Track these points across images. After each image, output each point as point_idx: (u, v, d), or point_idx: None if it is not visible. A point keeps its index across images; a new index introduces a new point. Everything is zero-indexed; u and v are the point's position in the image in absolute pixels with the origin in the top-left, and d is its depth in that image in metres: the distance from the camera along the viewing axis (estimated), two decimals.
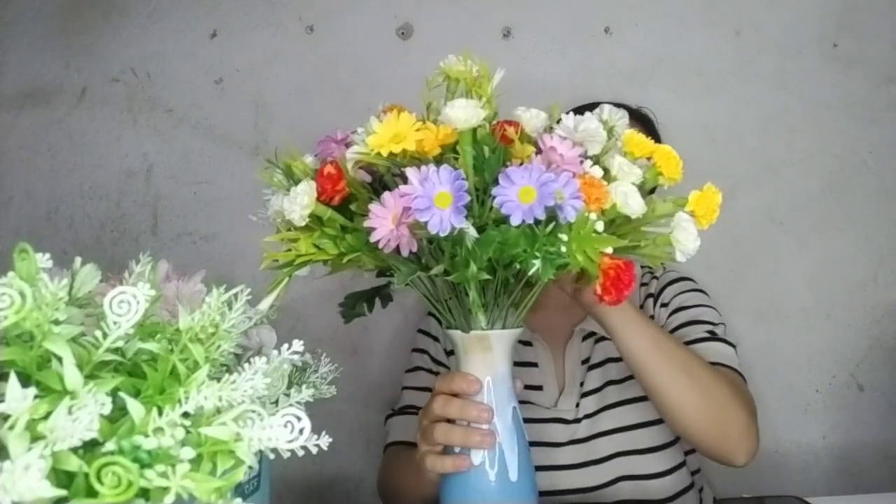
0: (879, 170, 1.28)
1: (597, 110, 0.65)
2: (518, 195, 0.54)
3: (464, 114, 0.57)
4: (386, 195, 0.59)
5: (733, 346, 0.93)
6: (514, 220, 0.54)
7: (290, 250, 0.63)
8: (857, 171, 1.28)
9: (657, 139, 1.05)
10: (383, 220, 0.58)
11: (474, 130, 0.59)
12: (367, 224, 0.59)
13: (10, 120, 1.29)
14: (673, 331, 0.95)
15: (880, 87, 1.29)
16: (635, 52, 1.29)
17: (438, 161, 0.59)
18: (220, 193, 1.28)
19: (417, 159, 0.60)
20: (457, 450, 0.67)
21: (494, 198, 0.55)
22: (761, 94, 1.29)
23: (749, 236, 1.27)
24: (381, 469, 0.99)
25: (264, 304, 0.62)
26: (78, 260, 0.47)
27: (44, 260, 0.41)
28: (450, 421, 0.68)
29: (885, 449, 1.25)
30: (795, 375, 1.26)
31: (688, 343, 0.91)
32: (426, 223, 0.54)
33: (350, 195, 0.62)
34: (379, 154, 0.58)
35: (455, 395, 0.68)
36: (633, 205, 0.59)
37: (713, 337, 0.93)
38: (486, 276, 0.58)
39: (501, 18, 1.30)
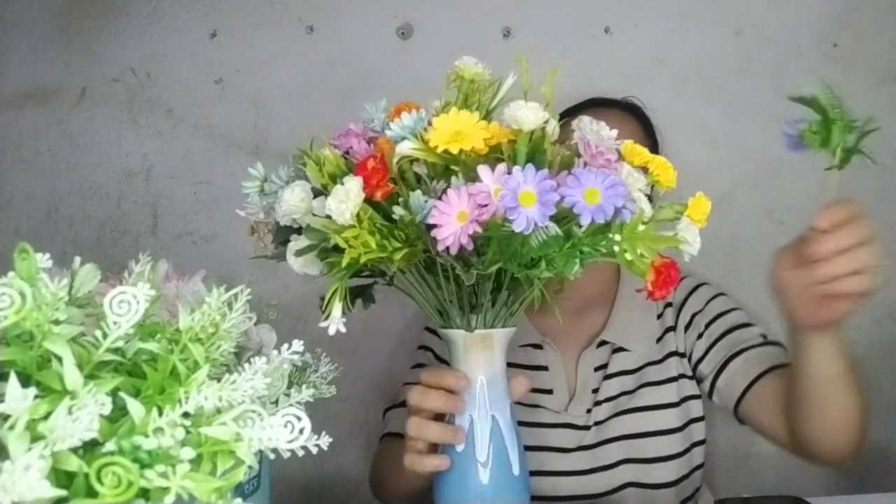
0: (879, 170, 1.28)
1: (575, 121, 0.66)
2: (584, 196, 0.55)
3: (534, 116, 0.58)
4: (451, 192, 0.57)
5: (783, 345, 0.94)
6: (584, 220, 0.55)
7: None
8: (857, 170, 1.28)
9: (649, 128, 1.06)
10: (448, 218, 0.57)
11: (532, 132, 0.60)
12: (431, 221, 0.57)
13: (10, 120, 1.29)
14: (722, 336, 0.97)
15: (880, 87, 1.29)
16: (635, 52, 1.29)
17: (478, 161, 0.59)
18: (220, 193, 1.28)
19: (466, 158, 0.59)
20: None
21: (563, 198, 0.56)
22: (761, 94, 1.29)
23: (749, 236, 1.26)
24: (374, 460, 1.00)
25: (333, 328, 0.61)
26: (78, 260, 0.47)
27: (44, 260, 0.41)
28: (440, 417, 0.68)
29: (885, 449, 1.25)
30: None
31: (751, 348, 0.93)
32: (512, 221, 0.54)
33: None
34: (432, 151, 0.58)
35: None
36: (644, 209, 0.60)
37: (768, 340, 0.95)
38: (548, 274, 0.58)
39: (501, 18, 1.29)
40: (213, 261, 1.26)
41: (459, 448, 0.66)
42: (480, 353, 0.67)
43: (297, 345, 0.49)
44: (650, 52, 1.29)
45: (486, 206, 0.56)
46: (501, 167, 0.57)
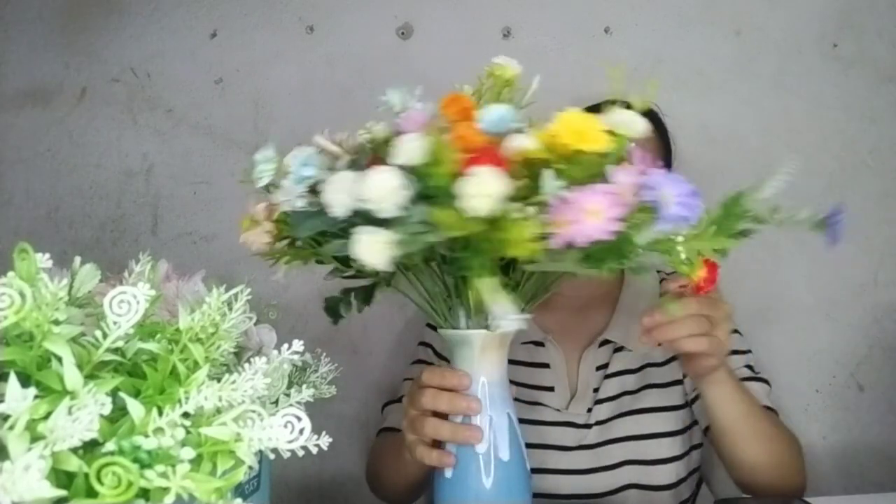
0: (879, 170, 1.28)
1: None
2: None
3: (644, 123, 0.61)
4: (580, 191, 0.57)
5: (767, 382, 0.95)
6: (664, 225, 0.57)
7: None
8: (857, 171, 1.28)
9: (664, 133, 1.06)
10: (580, 214, 0.56)
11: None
12: (562, 218, 0.56)
13: (10, 120, 1.29)
14: None
15: (880, 87, 1.29)
16: (635, 52, 1.29)
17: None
18: (220, 193, 1.28)
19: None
20: (447, 445, 0.67)
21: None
22: (761, 94, 1.29)
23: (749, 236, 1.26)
24: (371, 453, 1.01)
25: (515, 325, 0.59)
26: (78, 260, 0.47)
27: (44, 260, 0.41)
28: (437, 414, 0.68)
29: (885, 449, 1.25)
30: (795, 375, 1.25)
31: None
32: (658, 220, 0.57)
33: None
34: (551, 148, 0.58)
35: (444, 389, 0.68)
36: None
37: (752, 376, 0.95)
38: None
39: (501, 18, 1.29)
40: (213, 261, 1.25)
41: (482, 448, 0.66)
42: (495, 352, 0.68)
43: (297, 345, 0.49)
44: (650, 52, 1.29)
45: (625, 205, 0.56)
46: (634, 170, 0.59)
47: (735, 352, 0.95)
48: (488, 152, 0.57)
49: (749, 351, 0.98)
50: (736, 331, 0.99)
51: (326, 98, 1.28)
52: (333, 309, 0.74)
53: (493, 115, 0.59)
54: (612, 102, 1.08)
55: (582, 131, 0.57)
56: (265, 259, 0.69)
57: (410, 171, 0.57)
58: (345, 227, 0.59)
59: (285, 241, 0.67)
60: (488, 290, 0.57)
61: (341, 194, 0.57)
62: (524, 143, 0.58)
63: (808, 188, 1.27)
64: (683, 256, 0.59)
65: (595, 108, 0.95)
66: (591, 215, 0.55)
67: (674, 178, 0.57)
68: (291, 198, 0.61)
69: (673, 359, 0.98)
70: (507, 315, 0.57)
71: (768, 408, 0.91)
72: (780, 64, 1.29)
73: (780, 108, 1.29)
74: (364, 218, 0.58)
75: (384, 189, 0.56)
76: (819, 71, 1.29)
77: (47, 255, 0.41)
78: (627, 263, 0.58)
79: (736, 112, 1.29)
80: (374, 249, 0.56)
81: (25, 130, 1.30)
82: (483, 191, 0.55)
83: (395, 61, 1.28)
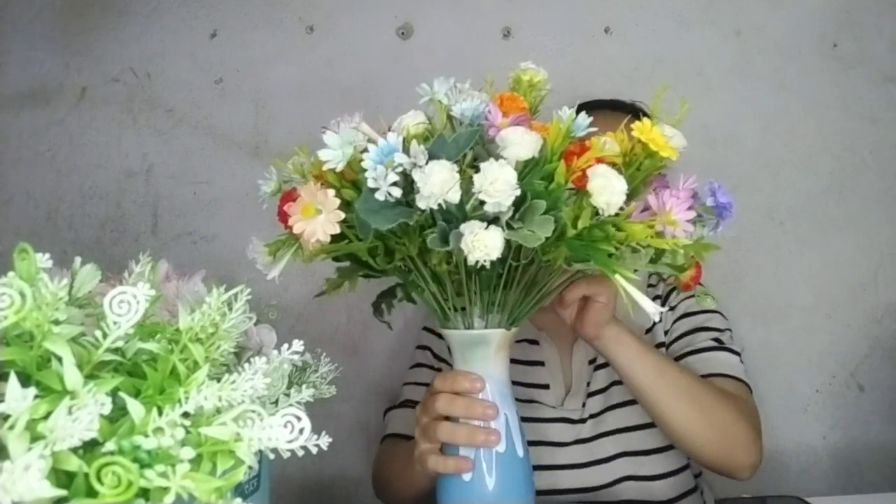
0: (880, 170, 1.28)
1: None
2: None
3: (681, 140, 0.66)
4: (665, 192, 0.63)
5: (738, 353, 0.94)
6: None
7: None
8: (857, 171, 1.28)
9: None
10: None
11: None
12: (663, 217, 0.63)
13: (10, 120, 1.29)
14: (679, 337, 0.97)
15: (880, 87, 1.29)
16: (635, 52, 1.29)
17: None
18: (220, 193, 1.28)
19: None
20: (461, 450, 0.67)
21: None
22: (761, 94, 1.29)
23: (749, 236, 1.26)
24: (376, 460, 1.00)
25: (657, 316, 0.61)
26: (78, 260, 0.47)
27: (44, 260, 0.41)
28: (447, 418, 0.68)
29: (885, 449, 1.25)
30: (795, 375, 1.25)
31: (693, 352, 0.93)
32: (724, 219, 0.70)
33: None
34: (625, 155, 0.63)
35: (456, 393, 0.68)
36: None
37: (719, 346, 0.94)
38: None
39: (501, 18, 1.29)
40: (213, 261, 1.25)
41: (501, 448, 0.66)
42: (505, 351, 0.68)
43: (297, 345, 0.49)
44: (650, 52, 1.29)
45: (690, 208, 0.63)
46: (692, 177, 0.67)
47: (707, 328, 0.96)
48: (584, 153, 0.60)
49: (728, 329, 0.98)
50: (718, 312, 1.00)
51: (326, 98, 1.28)
52: (378, 308, 0.75)
53: (582, 121, 0.62)
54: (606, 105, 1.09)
55: (657, 140, 0.61)
56: (304, 260, 0.65)
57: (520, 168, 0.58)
58: (421, 222, 0.59)
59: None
60: (626, 282, 0.59)
61: (441, 185, 0.55)
62: (611, 148, 0.62)
63: (808, 188, 1.28)
64: (680, 260, 0.62)
65: (586, 107, 0.96)
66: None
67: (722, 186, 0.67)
68: (383, 185, 0.57)
69: (657, 347, 0.98)
70: (649, 304, 0.59)
71: (737, 378, 0.90)
72: (780, 64, 1.29)
73: (780, 108, 1.29)
74: (443, 213, 0.57)
75: (504, 183, 0.55)
76: (819, 71, 1.29)
77: (47, 255, 0.41)
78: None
79: (736, 112, 1.29)
80: (491, 244, 0.55)
81: (25, 130, 1.30)
82: (612, 189, 0.57)
83: (395, 61, 1.28)
